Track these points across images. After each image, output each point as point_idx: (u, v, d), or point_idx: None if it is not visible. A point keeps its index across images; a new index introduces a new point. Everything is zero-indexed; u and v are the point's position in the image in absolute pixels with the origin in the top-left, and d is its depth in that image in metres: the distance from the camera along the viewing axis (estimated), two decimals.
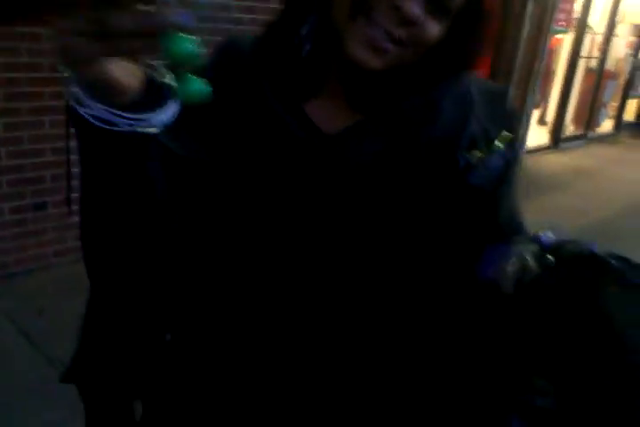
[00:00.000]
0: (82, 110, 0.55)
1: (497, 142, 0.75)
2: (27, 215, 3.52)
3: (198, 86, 0.55)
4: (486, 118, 0.78)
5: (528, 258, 0.75)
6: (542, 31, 7.17)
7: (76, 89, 0.54)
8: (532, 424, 0.67)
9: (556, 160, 8.09)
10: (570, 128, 9.34)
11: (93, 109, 0.55)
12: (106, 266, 0.76)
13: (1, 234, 3.45)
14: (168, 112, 0.57)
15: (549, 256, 0.75)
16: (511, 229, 0.86)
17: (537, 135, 8.45)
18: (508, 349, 0.72)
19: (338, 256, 0.78)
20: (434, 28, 0.70)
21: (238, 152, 0.76)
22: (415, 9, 0.67)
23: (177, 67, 0.54)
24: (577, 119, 9.49)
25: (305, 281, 0.80)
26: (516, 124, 0.81)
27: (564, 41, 8.86)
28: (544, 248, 0.76)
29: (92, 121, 0.55)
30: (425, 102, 0.77)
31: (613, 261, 0.69)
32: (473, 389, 0.75)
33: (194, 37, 0.51)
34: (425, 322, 0.83)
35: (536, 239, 0.77)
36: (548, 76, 8.85)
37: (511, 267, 0.75)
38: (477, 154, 0.75)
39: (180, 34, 0.51)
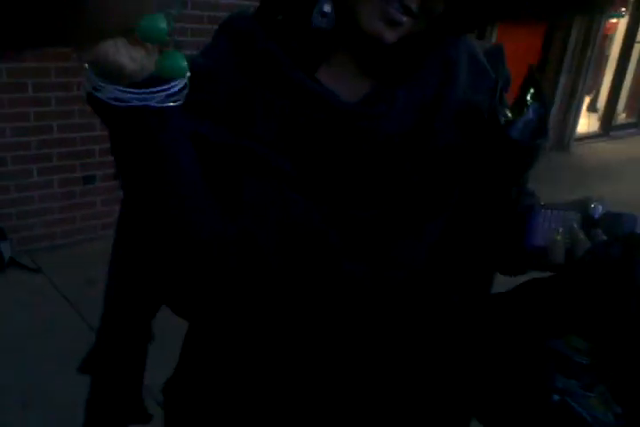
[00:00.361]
0: (98, 95, 0.60)
1: (528, 97, 0.77)
2: (75, 188, 3.62)
3: (177, 61, 0.58)
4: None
5: (576, 228, 0.75)
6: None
7: (91, 75, 0.59)
8: (571, 378, 0.70)
9: (608, 148, 7.92)
10: (622, 116, 9.13)
11: (107, 92, 0.60)
12: (135, 254, 0.80)
13: (49, 205, 3.56)
14: (175, 86, 0.62)
15: (598, 229, 0.75)
16: (525, 189, 0.88)
17: (587, 122, 8.29)
18: (548, 311, 0.72)
19: (381, 224, 0.78)
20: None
21: (267, 128, 0.77)
22: None
23: (146, 41, 0.57)
24: (629, 107, 9.26)
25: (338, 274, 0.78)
26: (540, 80, 0.81)
27: (619, 25, 8.65)
28: (592, 220, 0.76)
29: (107, 101, 0.60)
30: (441, 60, 0.81)
31: None
32: (515, 352, 0.75)
33: (163, 15, 0.54)
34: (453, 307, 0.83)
35: (584, 210, 0.77)
36: (601, 61, 8.65)
37: (561, 236, 0.74)
38: (509, 110, 0.77)
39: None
